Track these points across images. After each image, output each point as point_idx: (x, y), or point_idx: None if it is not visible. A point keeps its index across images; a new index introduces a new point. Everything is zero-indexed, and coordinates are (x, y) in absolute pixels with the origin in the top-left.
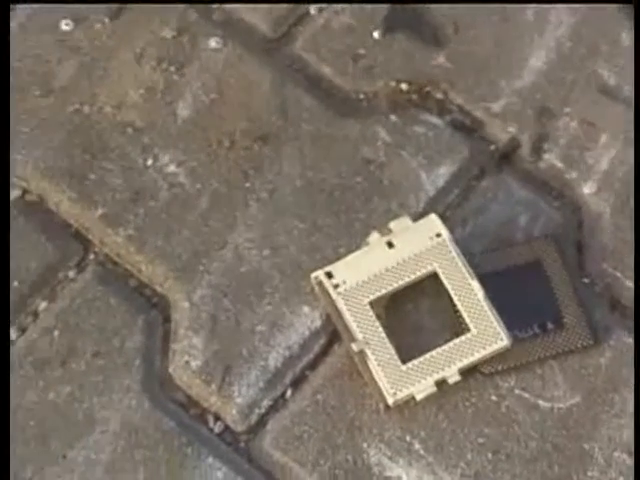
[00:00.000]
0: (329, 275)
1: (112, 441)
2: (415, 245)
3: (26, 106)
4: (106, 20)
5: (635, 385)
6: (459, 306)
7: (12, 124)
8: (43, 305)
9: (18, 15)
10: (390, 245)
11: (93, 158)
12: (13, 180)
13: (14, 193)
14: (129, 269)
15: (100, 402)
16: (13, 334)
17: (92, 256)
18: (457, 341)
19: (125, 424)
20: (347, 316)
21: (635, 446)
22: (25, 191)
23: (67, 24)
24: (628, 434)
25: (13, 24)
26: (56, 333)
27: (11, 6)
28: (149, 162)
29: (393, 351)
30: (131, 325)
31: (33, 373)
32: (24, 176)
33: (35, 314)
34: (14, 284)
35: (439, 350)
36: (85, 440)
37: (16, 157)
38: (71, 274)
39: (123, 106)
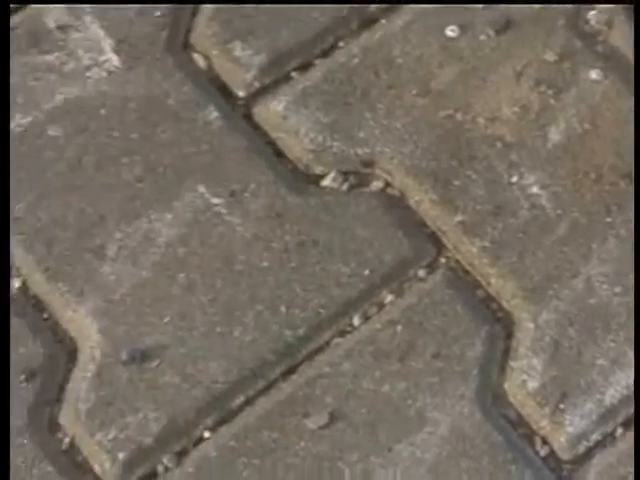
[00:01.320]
0: None
1: (439, 444)
2: None
3: (402, 103)
4: (491, 33)
5: (635, 383)
6: None
7: (384, 118)
8: (389, 298)
9: (406, 13)
10: None
11: (460, 165)
12: (377, 172)
13: (376, 184)
14: (479, 280)
15: (433, 403)
16: (356, 321)
17: (444, 260)
18: None
19: (454, 429)
20: None
21: (635, 442)
22: (387, 184)
23: (452, 30)
24: None
25: (399, 21)
26: (399, 328)
27: (402, 5)
28: (514, 179)
29: None
30: (473, 335)
31: (371, 362)
32: (389, 170)
33: (381, 305)
34: (365, 272)
35: None
36: (413, 437)
37: (384, 149)
38: (421, 273)
39: (496, 120)
